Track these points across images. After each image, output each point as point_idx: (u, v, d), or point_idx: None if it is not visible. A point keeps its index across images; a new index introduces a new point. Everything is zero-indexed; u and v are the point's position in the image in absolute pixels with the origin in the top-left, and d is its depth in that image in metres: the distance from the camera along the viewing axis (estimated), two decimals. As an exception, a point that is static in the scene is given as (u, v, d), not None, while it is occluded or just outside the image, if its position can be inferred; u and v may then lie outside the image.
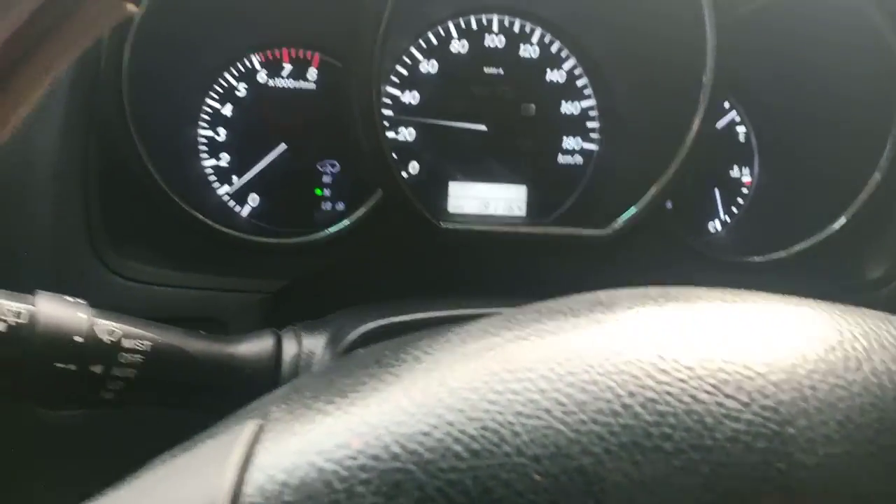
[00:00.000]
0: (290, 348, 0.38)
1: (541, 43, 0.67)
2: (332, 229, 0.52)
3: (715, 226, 0.70)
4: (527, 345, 0.22)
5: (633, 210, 0.55)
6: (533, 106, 0.67)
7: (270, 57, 0.63)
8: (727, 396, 0.19)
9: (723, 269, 0.61)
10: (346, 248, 0.53)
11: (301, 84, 0.64)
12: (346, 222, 0.53)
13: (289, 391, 0.23)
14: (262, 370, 0.36)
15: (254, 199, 0.64)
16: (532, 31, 0.66)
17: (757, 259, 0.61)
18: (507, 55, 0.66)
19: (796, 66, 0.62)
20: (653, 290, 0.26)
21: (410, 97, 0.65)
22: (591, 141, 0.68)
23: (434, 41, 0.65)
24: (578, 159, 0.68)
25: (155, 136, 0.54)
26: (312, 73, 0.64)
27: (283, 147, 0.63)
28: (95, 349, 0.30)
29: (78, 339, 0.30)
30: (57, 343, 0.30)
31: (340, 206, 0.65)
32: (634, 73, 0.63)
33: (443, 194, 0.66)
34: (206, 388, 0.34)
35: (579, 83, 0.67)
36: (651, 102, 0.61)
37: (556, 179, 0.68)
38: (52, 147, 0.48)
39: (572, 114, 0.68)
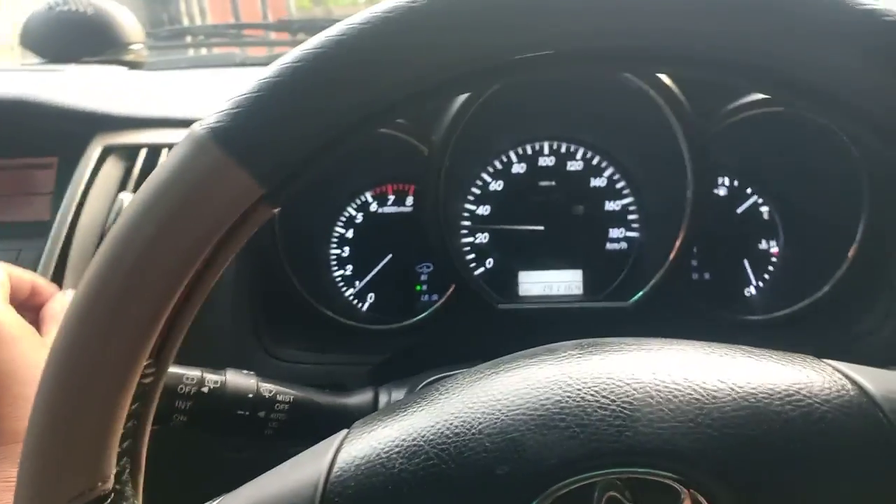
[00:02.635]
0: (383, 398, 0.57)
1: (584, 158, 0.84)
2: (419, 316, 0.72)
3: (750, 290, 0.83)
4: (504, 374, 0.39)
5: (644, 288, 0.70)
6: (581, 207, 0.84)
7: (379, 191, 0.85)
8: (604, 397, 0.34)
9: (746, 328, 0.74)
10: (432, 329, 0.72)
11: (401, 209, 0.85)
12: (429, 310, 0.72)
13: (367, 417, 0.41)
14: (365, 414, 0.54)
15: (371, 297, 0.85)
16: (576, 150, 0.84)
17: (776, 314, 0.74)
18: (557, 170, 0.84)
19: (787, 159, 0.76)
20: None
21: (483, 210, 0.84)
22: (633, 230, 0.83)
23: (499, 166, 0.84)
24: (623, 245, 0.83)
25: (300, 256, 0.77)
26: (409, 199, 0.85)
27: (389, 256, 0.84)
28: (260, 401, 0.50)
29: (250, 395, 0.50)
30: (238, 398, 0.50)
31: (435, 297, 0.83)
32: (655, 175, 0.79)
33: (514, 282, 0.84)
34: (328, 427, 0.52)
35: (618, 185, 0.83)
36: (668, 197, 0.76)
37: (606, 263, 0.83)
38: (230, 274, 0.69)
39: (615, 210, 0.84)
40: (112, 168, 0.66)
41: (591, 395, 0.34)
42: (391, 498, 0.33)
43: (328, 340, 0.73)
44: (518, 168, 0.84)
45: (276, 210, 0.36)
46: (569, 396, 0.34)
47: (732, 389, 0.33)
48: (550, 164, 0.84)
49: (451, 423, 0.35)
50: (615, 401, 0.33)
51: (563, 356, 0.39)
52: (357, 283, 0.84)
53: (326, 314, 0.75)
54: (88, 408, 0.33)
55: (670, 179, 0.73)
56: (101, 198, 0.65)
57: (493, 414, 0.35)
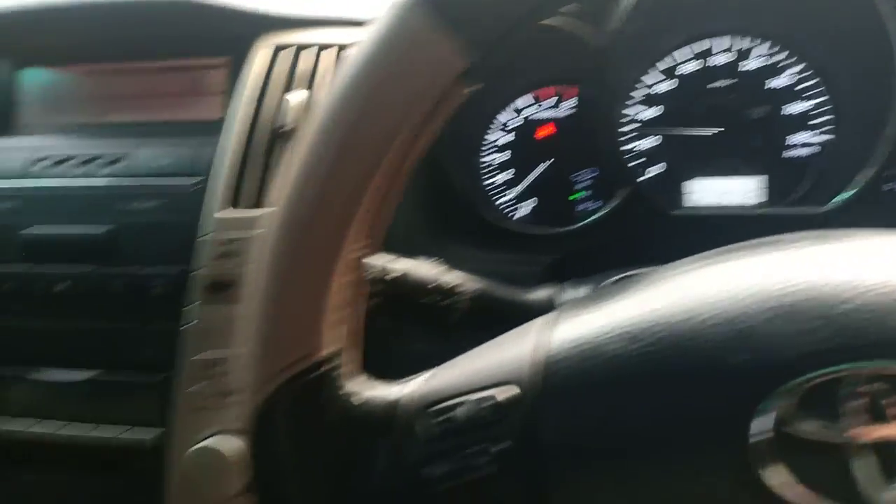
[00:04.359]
0: (563, 296, 0.55)
1: (766, 54, 0.76)
2: (589, 220, 0.69)
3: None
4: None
5: (846, 193, 0.63)
6: (761, 109, 0.77)
7: (539, 94, 0.81)
8: (851, 287, 0.30)
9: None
10: (597, 235, 0.69)
11: (562, 112, 0.81)
12: (599, 214, 0.69)
13: (573, 301, 0.40)
14: (545, 309, 0.53)
15: (523, 206, 0.82)
16: (760, 44, 0.76)
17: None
18: (735, 68, 0.77)
19: None
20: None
21: (652, 112, 0.79)
22: (819, 134, 0.76)
23: (671, 63, 0.78)
24: (807, 151, 0.76)
25: (457, 161, 0.76)
26: (572, 101, 0.80)
27: (547, 163, 0.81)
28: (443, 291, 0.50)
29: (432, 284, 0.50)
30: (420, 287, 0.50)
31: (591, 205, 0.80)
32: (853, 74, 0.70)
33: (682, 189, 0.79)
34: (509, 319, 0.51)
35: (805, 85, 0.75)
36: (867, 98, 0.67)
37: (787, 170, 0.76)
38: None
39: (799, 112, 0.76)
40: (281, 67, 0.67)
41: (835, 284, 0.30)
42: (608, 382, 0.32)
43: (492, 244, 0.72)
44: (690, 66, 0.77)
45: (473, 88, 0.34)
46: (807, 287, 0.31)
47: None
48: (727, 60, 0.77)
49: (667, 312, 0.32)
50: (864, 293, 0.29)
51: (796, 245, 0.35)
52: (510, 191, 0.82)
53: (488, 220, 0.73)
54: (301, 279, 0.34)
55: (873, 72, 0.64)
56: (271, 96, 0.65)
57: (719, 303, 0.32)
